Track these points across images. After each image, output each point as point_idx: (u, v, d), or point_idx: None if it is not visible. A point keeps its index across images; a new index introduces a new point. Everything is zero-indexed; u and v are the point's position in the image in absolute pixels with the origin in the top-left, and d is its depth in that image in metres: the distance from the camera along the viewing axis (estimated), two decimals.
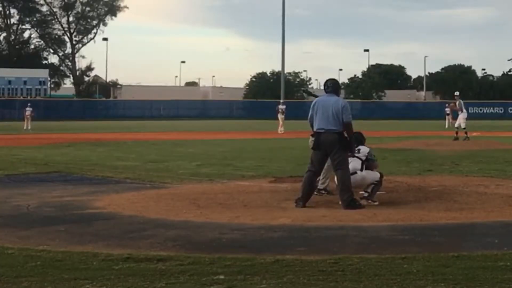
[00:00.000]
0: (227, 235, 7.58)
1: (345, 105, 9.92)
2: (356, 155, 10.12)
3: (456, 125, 26.15)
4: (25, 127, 42.33)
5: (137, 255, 6.40)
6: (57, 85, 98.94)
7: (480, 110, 76.82)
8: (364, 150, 10.21)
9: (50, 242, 7.20)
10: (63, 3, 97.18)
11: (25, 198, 10.58)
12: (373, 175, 10.12)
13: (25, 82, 78.18)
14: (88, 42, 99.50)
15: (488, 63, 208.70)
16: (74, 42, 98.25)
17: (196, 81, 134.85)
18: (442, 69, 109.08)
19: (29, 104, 47.05)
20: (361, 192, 10.10)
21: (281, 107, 40.82)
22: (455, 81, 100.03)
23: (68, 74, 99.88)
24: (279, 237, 7.52)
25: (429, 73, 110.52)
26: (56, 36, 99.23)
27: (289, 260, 6.19)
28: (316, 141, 9.81)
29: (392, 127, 40.51)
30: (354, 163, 10.04)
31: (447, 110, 46.32)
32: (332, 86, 10.13)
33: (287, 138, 30.92)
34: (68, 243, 7.15)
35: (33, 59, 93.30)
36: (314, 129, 9.88)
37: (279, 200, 10.21)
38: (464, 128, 24.88)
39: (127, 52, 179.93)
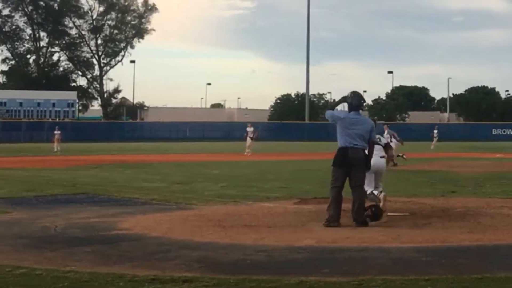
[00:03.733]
0: (252, 257, 7.62)
1: (373, 125, 10.40)
2: (379, 142, 10.97)
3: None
4: (55, 149, 42.84)
5: (162, 276, 6.46)
6: (85, 107, 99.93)
7: (504, 131, 76.20)
8: (385, 136, 11.00)
9: (77, 263, 7.27)
10: (92, 26, 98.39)
11: (52, 219, 10.68)
12: (368, 181, 10.48)
13: (53, 104, 79.20)
14: (115, 64, 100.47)
15: None
16: (102, 65, 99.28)
17: (222, 103, 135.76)
18: (466, 90, 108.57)
19: (57, 127, 47.74)
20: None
21: (249, 129, 40.30)
22: (479, 103, 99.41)
23: (96, 96, 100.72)
24: (303, 258, 7.54)
25: (453, 94, 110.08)
26: (85, 59, 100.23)
27: (313, 282, 6.21)
28: (341, 156, 9.85)
29: (415, 148, 40.36)
30: (379, 151, 10.94)
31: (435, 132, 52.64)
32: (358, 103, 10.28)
33: (310, 160, 30.91)
34: (95, 264, 7.21)
35: (62, 82, 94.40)
36: (340, 145, 9.96)
37: (304, 221, 10.23)
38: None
39: (154, 75, 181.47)
